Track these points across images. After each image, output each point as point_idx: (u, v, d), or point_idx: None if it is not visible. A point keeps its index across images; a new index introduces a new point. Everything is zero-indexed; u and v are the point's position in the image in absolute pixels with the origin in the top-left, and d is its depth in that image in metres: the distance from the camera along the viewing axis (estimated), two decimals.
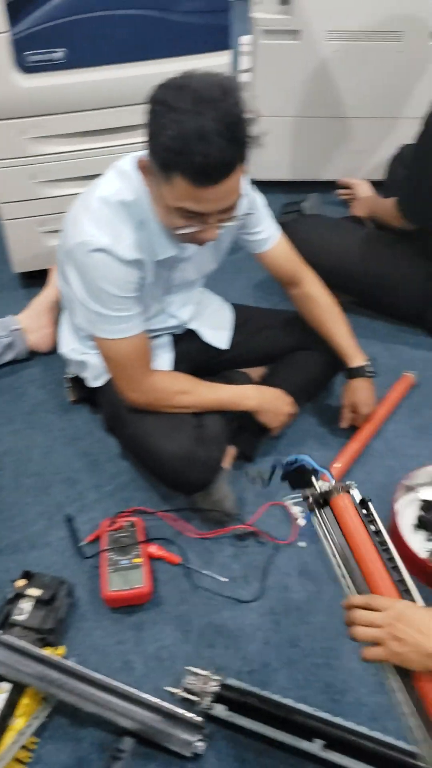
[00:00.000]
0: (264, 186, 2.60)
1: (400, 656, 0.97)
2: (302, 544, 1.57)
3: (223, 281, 2.28)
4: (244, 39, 2.40)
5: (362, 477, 1.73)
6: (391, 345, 2.08)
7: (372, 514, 1.10)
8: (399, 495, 1.61)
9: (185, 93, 1.14)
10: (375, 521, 1.09)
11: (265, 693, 1.29)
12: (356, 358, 1.74)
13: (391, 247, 2.04)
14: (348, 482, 1.11)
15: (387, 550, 1.07)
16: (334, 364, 1.78)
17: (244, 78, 2.50)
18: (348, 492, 1.10)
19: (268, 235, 1.65)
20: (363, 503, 1.10)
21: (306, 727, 1.24)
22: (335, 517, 1.09)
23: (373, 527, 1.08)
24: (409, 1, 2.18)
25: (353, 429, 1.80)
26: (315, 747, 1.22)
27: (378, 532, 1.08)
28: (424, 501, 1.64)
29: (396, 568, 1.06)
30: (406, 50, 2.27)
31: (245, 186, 1.50)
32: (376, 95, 2.36)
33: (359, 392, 1.75)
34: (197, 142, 1.14)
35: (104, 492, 1.66)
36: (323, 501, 1.10)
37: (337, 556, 1.07)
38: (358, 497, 1.10)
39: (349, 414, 1.77)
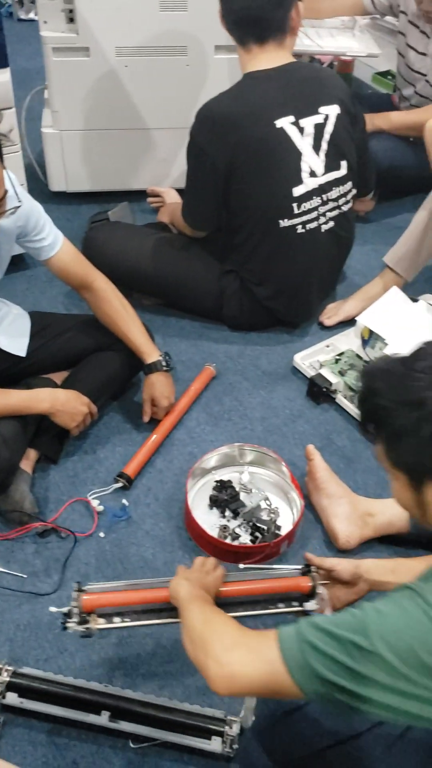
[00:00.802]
0: (78, 197, 2.70)
1: (180, 579, 1.24)
2: (101, 534, 1.65)
3: (35, 290, 2.35)
4: None
5: (164, 465, 1.83)
6: (196, 341, 2.20)
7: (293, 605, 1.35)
8: (192, 477, 1.72)
9: None
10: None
11: (59, 677, 1.36)
12: (151, 355, 1.84)
13: (186, 250, 2.16)
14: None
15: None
16: (132, 362, 1.87)
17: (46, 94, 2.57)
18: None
19: (51, 240, 1.72)
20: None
21: (94, 703, 1.32)
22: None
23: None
24: (190, 17, 2.32)
25: (157, 422, 1.89)
26: (102, 719, 1.30)
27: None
28: (217, 481, 1.76)
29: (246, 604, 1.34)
30: (192, 63, 2.41)
31: (23, 193, 1.57)
32: (170, 107, 2.49)
33: (157, 386, 1.85)
34: None
35: None
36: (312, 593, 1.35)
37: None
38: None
39: (150, 408, 1.87)
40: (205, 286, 2.15)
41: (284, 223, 1.94)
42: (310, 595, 1.34)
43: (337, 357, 2.08)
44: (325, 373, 2.00)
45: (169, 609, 1.26)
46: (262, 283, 2.08)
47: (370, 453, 1.87)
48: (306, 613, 1.32)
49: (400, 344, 1.95)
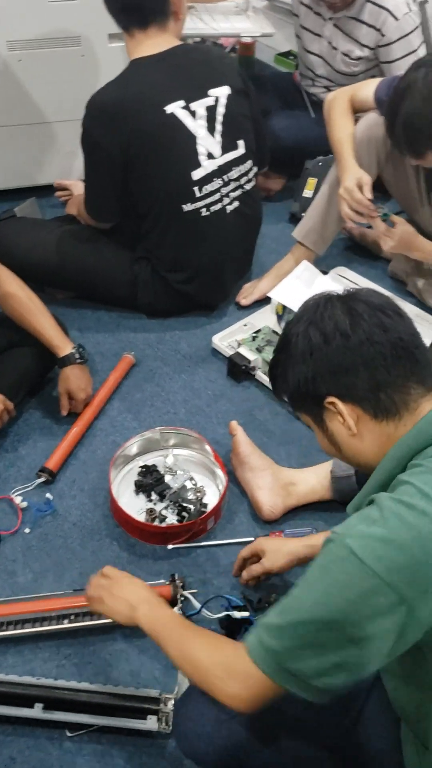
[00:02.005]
0: None
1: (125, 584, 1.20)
2: (27, 530, 1.64)
3: None
4: None
5: (87, 456, 1.82)
6: (114, 331, 2.19)
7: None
8: (115, 465, 1.72)
9: None
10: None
11: None
12: (64, 348, 1.82)
13: (95, 240, 2.15)
14: None
15: None
16: (46, 357, 1.85)
17: None
18: None
19: None
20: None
21: (26, 696, 1.31)
22: None
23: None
24: (80, 6, 2.30)
25: (77, 415, 1.88)
26: (36, 712, 1.29)
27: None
28: (142, 467, 1.76)
29: None
30: (87, 53, 2.39)
31: None
32: (69, 99, 2.45)
33: (72, 379, 1.83)
34: None
35: None
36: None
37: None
38: None
39: (67, 401, 1.85)
40: (117, 275, 2.14)
41: (187, 207, 1.95)
42: (173, 602, 1.44)
43: (254, 334, 2.10)
44: (244, 351, 2.02)
45: (64, 616, 1.41)
46: (175, 269, 2.09)
47: (290, 425, 1.90)
48: None
49: None
